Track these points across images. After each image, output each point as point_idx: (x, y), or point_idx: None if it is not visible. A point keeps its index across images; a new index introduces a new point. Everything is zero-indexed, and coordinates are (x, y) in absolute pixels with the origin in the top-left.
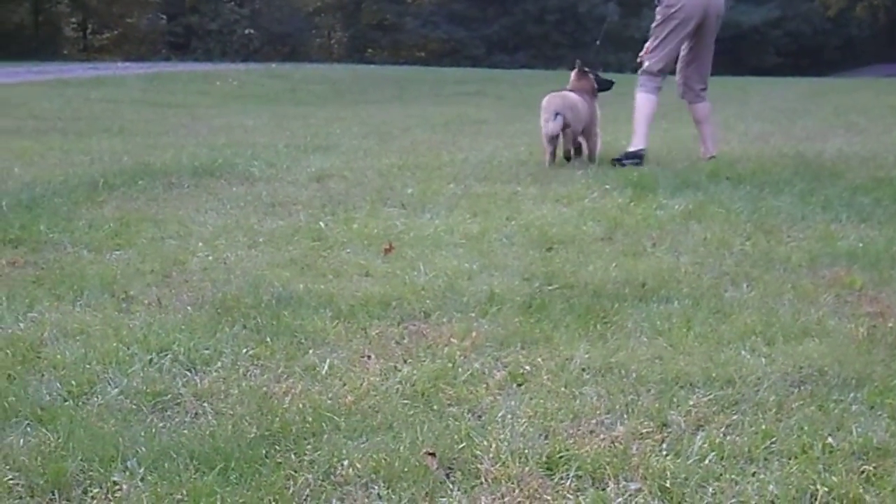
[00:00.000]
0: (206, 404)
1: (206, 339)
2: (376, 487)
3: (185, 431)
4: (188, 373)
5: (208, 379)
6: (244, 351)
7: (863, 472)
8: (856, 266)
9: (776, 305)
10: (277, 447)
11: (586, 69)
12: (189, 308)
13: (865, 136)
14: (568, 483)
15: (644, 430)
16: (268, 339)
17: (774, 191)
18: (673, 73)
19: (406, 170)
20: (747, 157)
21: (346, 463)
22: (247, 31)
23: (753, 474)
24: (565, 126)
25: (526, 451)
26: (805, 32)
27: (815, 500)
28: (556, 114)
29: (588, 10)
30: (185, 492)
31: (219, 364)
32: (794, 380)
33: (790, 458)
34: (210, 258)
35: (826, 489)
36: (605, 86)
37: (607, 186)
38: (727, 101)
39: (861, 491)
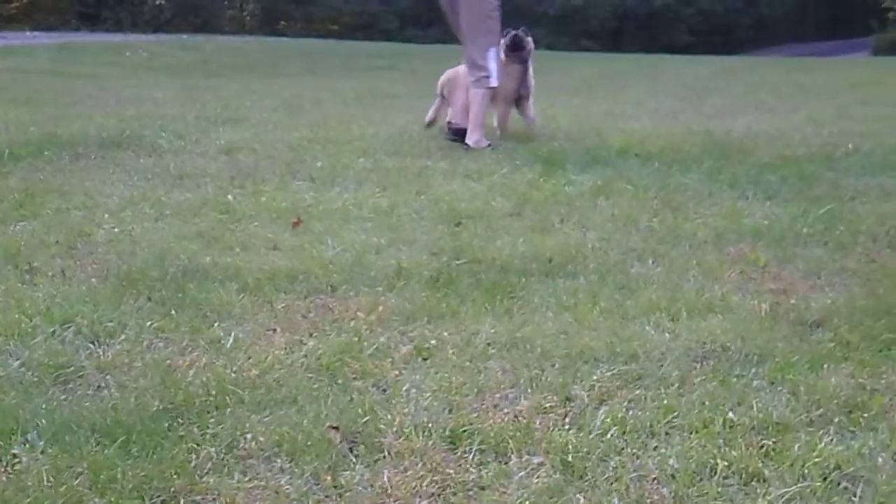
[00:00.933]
0: (108, 377)
1: (110, 312)
2: (279, 461)
3: (87, 404)
4: (91, 345)
5: (112, 351)
6: (148, 324)
7: (762, 446)
8: (761, 243)
9: (681, 281)
10: (180, 420)
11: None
12: (93, 280)
13: (774, 115)
14: (471, 457)
15: (547, 405)
16: (172, 312)
17: (682, 168)
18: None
19: (316, 143)
20: (657, 134)
21: (249, 436)
22: (158, 2)
23: (655, 448)
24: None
25: (430, 425)
26: (717, 11)
27: (715, 473)
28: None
29: None
30: (85, 464)
31: (122, 337)
32: (696, 355)
33: (691, 433)
34: (116, 230)
35: (726, 463)
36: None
37: (517, 162)
38: (639, 77)
39: (760, 465)
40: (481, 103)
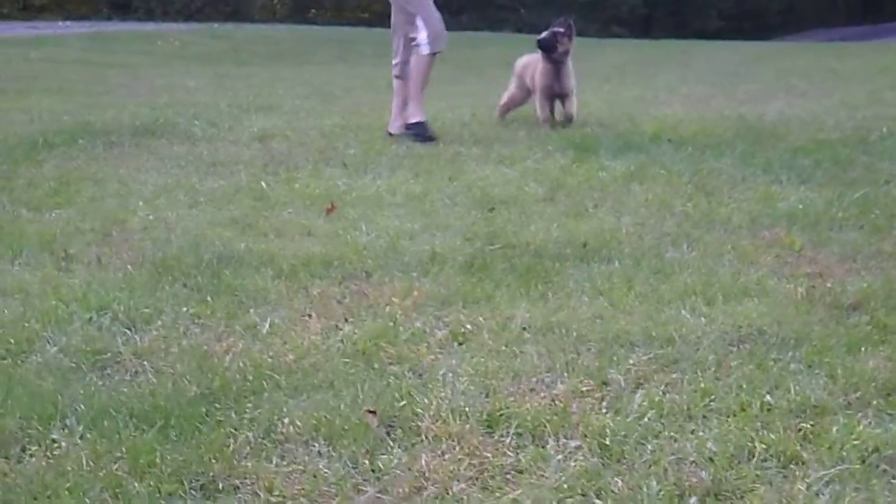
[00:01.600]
0: (145, 363)
1: (146, 298)
2: (317, 445)
3: (125, 390)
4: (128, 331)
5: (148, 337)
6: (184, 310)
7: (800, 429)
8: (795, 227)
9: (716, 266)
10: (217, 405)
11: (545, 31)
12: (129, 267)
13: (806, 99)
14: (508, 440)
15: (584, 389)
16: (208, 298)
17: (716, 153)
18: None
19: (348, 130)
20: (689, 119)
21: (286, 421)
22: None
23: (692, 432)
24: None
25: (466, 409)
26: None
27: (753, 456)
28: None
29: None
30: (124, 449)
31: (159, 322)
32: (733, 339)
33: (729, 416)
34: (150, 217)
35: (764, 446)
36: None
37: (549, 148)
38: (670, 63)
39: (798, 448)
40: (417, 72)
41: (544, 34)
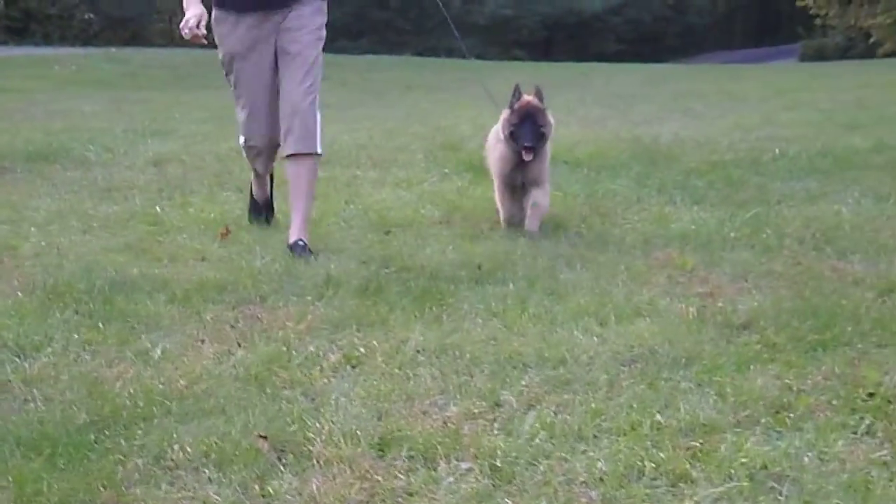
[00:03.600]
0: (35, 390)
1: (36, 325)
2: (207, 471)
3: (13, 418)
4: (17, 359)
5: (38, 364)
6: (75, 336)
7: (689, 448)
8: (688, 247)
9: (609, 286)
10: (107, 432)
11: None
12: (19, 293)
13: (701, 121)
14: (399, 463)
15: (476, 410)
16: (100, 325)
17: (611, 174)
18: None
19: None
20: (585, 140)
21: (176, 447)
22: (87, 16)
23: (583, 452)
24: None
25: (358, 432)
26: (645, 20)
27: (643, 475)
28: None
29: None
30: (10, 478)
31: (49, 350)
32: (625, 359)
33: (619, 436)
34: (42, 243)
35: (653, 465)
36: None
37: (446, 171)
38: (569, 86)
39: (687, 466)
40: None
41: (526, 135)
